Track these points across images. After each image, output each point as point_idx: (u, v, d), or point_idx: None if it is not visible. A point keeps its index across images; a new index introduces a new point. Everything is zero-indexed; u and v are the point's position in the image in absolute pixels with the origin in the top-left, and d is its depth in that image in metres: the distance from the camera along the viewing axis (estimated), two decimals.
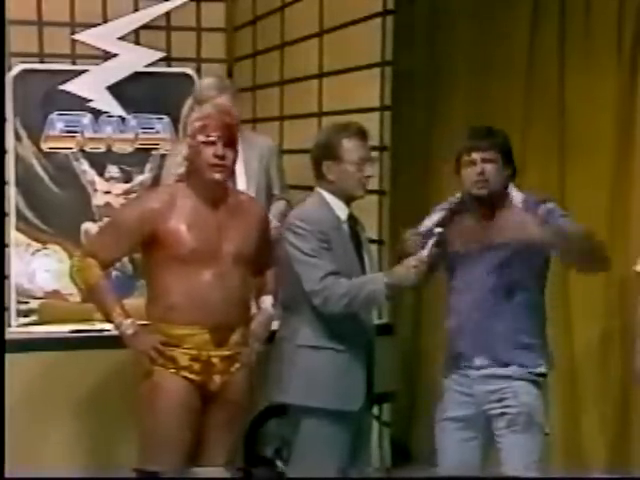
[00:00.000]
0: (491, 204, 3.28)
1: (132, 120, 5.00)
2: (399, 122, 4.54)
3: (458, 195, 3.39)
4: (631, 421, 3.70)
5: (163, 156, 4.77)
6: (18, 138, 4.91)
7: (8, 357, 3.52)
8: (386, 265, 4.25)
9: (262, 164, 4.42)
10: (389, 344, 4.08)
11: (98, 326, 4.16)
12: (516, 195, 3.29)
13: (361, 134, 3.41)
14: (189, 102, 4.37)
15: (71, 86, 4.90)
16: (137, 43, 5.12)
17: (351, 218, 3.45)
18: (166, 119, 5.02)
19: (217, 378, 3.36)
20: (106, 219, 4.76)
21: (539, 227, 3.10)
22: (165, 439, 3.30)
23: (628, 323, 3.56)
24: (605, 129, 3.77)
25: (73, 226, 4.93)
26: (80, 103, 4.92)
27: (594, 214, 3.73)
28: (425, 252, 3.22)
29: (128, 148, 5.02)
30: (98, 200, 4.98)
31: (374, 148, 4.03)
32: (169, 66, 5.26)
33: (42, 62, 5.19)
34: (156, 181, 4.76)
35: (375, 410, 4.30)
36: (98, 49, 5.03)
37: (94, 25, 5.09)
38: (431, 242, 3.25)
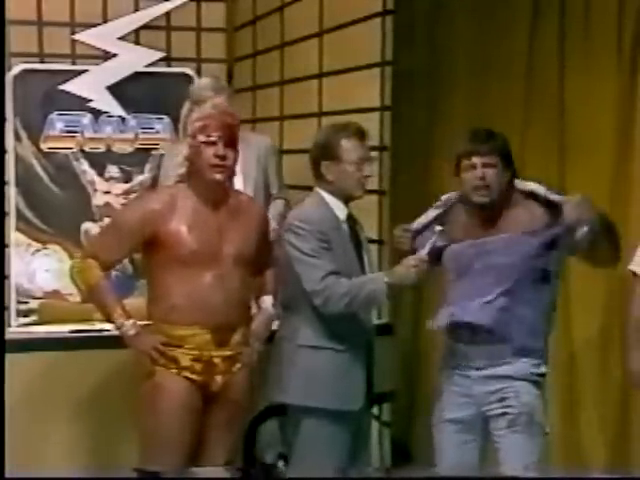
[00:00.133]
0: (493, 209, 3.27)
1: (132, 120, 5.01)
2: (399, 122, 4.54)
3: (454, 193, 3.37)
4: (631, 421, 3.70)
5: (163, 156, 4.77)
6: (18, 138, 4.92)
7: (8, 357, 3.52)
8: (386, 265, 4.25)
9: (260, 164, 4.43)
10: (389, 344, 4.08)
11: (98, 326, 4.17)
12: (538, 188, 3.24)
13: (360, 134, 3.41)
14: (187, 104, 4.37)
15: (71, 86, 4.91)
16: (137, 43, 5.12)
17: (350, 218, 3.45)
18: (166, 119, 5.03)
19: (219, 378, 3.37)
20: (106, 219, 4.79)
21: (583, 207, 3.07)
22: (166, 439, 3.30)
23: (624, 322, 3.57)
24: (605, 130, 3.76)
25: (73, 226, 4.94)
26: (80, 103, 4.93)
27: None
28: (425, 251, 3.23)
29: (128, 148, 5.03)
30: (98, 200, 4.99)
31: (374, 148, 4.03)
32: (169, 66, 5.27)
33: (42, 62, 5.19)
34: (156, 181, 4.76)
35: (375, 410, 4.30)
36: (98, 49, 5.05)
37: (94, 25, 5.10)
38: (431, 241, 3.25)
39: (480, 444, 3.34)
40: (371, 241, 4.05)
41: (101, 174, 4.99)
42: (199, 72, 5.24)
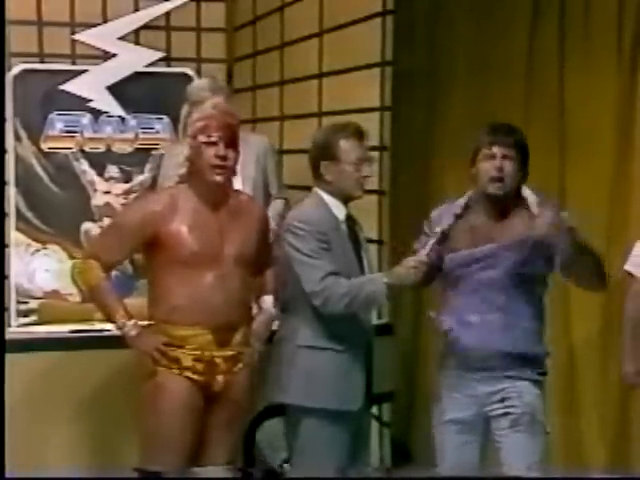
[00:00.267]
0: (504, 204, 3.26)
1: (132, 120, 5.01)
2: (399, 122, 4.54)
3: (465, 198, 3.35)
4: (630, 421, 3.71)
5: (163, 156, 4.77)
6: (18, 138, 4.92)
7: (8, 357, 3.52)
8: (386, 265, 4.25)
9: (259, 164, 4.43)
10: (389, 344, 4.08)
11: (98, 326, 4.17)
12: (530, 196, 3.26)
13: (359, 134, 3.40)
14: (186, 105, 4.38)
15: (71, 86, 4.91)
16: (137, 43, 5.12)
17: (349, 218, 3.45)
18: (166, 119, 5.03)
19: (220, 378, 3.37)
20: (106, 219, 4.79)
21: (556, 222, 3.08)
22: (167, 440, 3.30)
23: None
24: (605, 130, 3.76)
25: (73, 226, 4.94)
26: (80, 103, 4.93)
27: (594, 214, 3.73)
28: (424, 252, 3.22)
29: (128, 148, 5.03)
30: (98, 200, 4.99)
31: (374, 148, 4.03)
32: (169, 66, 5.27)
33: (42, 62, 5.19)
34: (156, 181, 4.76)
35: (375, 410, 4.30)
36: (98, 49, 5.04)
37: (94, 25, 5.10)
38: (431, 242, 3.25)
39: (481, 444, 3.33)
40: (371, 241, 4.06)
41: (101, 174, 4.99)
42: (199, 72, 5.23)
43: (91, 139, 4.98)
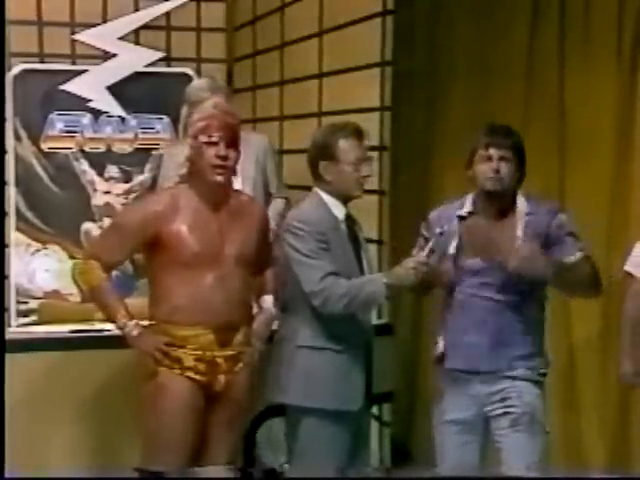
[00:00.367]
0: (501, 203, 3.26)
1: (132, 120, 5.00)
2: (399, 122, 4.54)
3: (468, 200, 3.35)
4: (630, 422, 3.71)
5: (163, 156, 4.77)
6: (18, 138, 4.91)
7: (8, 357, 3.52)
8: (386, 265, 4.25)
9: (259, 164, 4.43)
10: (389, 344, 4.08)
11: (98, 326, 4.17)
12: (521, 203, 3.27)
13: (358, 134, 3.39)
14: (185, 105, 4.37)
15: (71, 86, 4.90)
16: (137, 43, 5.12)
17: (349, 218, 3.44)
18: (166, 119, 5.02)
19: (222, 378, 3.37)
20: (106, 219, 4.79)
21: (540, 262, 3.13)
22: (169, 440, 3.30)
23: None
24: (605, 130, 3.76)
25: (73, 226, 4.94)
26: (80, 103, 4.93)
27: (594, 215, 3.74)
28: (424, 253, 3.22)
29: (128, 148, 5.03)
30: (98, 200, 4.98)
31: (374, 148, 4.03)
32: (169, 66, 5.26)
33: (42, 62, 5.19)
34: (156, 181, 4.76)
35: (375, 410, 4.30)
36: (98, 49, 5.04)
37: (94, 25, 5.10)
38: (430, 243, 3.25)
39: (481, 444, 3.34)
40: (371, 241, 4.06)
41: (101, 174, 4.99)
42: (199, 72, 5.23)
43: (91, 139, 4.98)
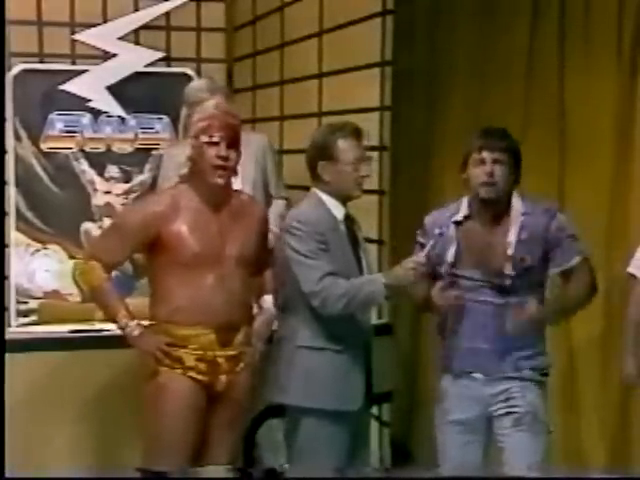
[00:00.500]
0: (497, 208, 3.26)
1: (132, 120, 5.01)
2: (399, 122, 4.54)
3: (463, 204, 3.35)
4: (631, 424, 3.70)
5: (163, 156, 4.77)
6: (18, 138, 4.92)
7: (8, 357, 3.52)
8: (385, 265, 4.25)
9: (259, 164, 4.43)
10: (388, 344, 4.08)
11: (98, 326, 4.18)
12: (517, 204, 3.27)
13: (356, 134, 3.39)
14: (185, 106, 4.37)
15: (71, 86, 4.90)
16: (137, 43, 5.12)
17: (348, 218, 3.44)
18: (166, 119, 5.03)
19: (223, 378, 3.38)
20: (106, 219, 4.79)
21: (539, 322, 3.22)
22: (170, 440, 3.31)
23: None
24: (605, 130, 3.76)
25: (73, 226, 4.94)
26: (80, 103, 4.93)
27: (594, 215, 3.73)
28: (423, 254, 3.22)
29: (128, 148, 5.03)
30: (98, 200, 4.99)
31: (374, 148, 4.03)
32: (169, 66, 5.27)
33: (42, 62, 5.20)
34: (156, 181, 4.76)
35: (375, 410, 4.30)
36: (98, 49, 5.04)
37: (94, 25, 5.10)
38: (430, 244, 3.25)
39: (483, 444, 3.33)
40: (371, 241, 4.06)
41: (101, 174, 4.99)
42: (199, 72, 5.24)
43: (91, 139, 4.98)
